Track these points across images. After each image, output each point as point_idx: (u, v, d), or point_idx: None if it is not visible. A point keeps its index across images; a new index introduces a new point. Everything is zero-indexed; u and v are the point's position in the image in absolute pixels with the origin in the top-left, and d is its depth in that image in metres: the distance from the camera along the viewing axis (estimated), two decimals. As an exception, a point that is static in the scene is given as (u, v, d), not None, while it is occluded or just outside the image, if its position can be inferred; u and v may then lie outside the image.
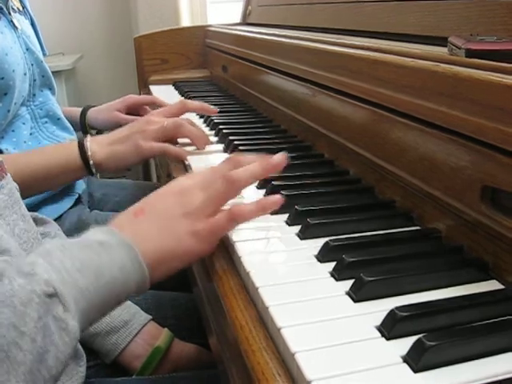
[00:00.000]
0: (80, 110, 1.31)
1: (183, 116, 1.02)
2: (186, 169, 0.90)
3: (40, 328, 0.43)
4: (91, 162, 0.93)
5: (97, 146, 0.94)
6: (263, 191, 0.73)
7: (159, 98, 1.34)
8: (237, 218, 0.57)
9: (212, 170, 0.61)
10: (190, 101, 1.09)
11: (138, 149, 0.94)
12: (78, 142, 0.94)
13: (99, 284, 0.48)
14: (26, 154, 1.00)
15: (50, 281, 0.45)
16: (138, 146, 0.94)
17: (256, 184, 0.75)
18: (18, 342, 0.41)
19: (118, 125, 1.29)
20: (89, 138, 0.96)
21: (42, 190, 0.98)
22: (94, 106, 1.34)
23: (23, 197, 0.93)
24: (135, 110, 1.33)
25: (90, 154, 0.93)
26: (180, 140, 0.99)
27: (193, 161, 0.88)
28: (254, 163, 0.61)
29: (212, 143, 0.99)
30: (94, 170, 0.94)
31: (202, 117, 1.20)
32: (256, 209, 0.59)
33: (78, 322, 0.46)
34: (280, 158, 0.62)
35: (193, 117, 1.19)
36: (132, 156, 0.95)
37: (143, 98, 1.36)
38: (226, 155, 0.92)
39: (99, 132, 1.36)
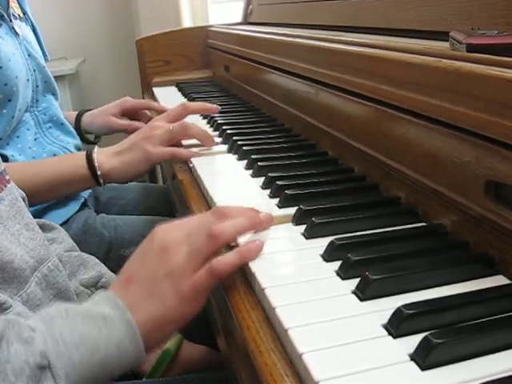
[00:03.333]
0: (75, 114, 1.32)
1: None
2: (190, 170, 0.90)
3: None
4: (99, 173, 0.94)
5: (104, 156, 0.95)
6: (267, 191, 0.73)
7: (155, 102, 1.35)
8: (217, 274, 0.54)
9: (196, 223, 0.59)
10: (191, 103, 1.11)
11: (147, 155, 0.94)
12: (86, 153, 0.96)
13: (93, 360, 0.49)
14: (35, 163, 1.01)
15: (46, 352, 0.46)
16: (147, 152, 0.94)
17: (261, 184, 0.75)
18: None
19: (113, 130, 1.29)
20: (96, 149, 0.97)
21: (50, 199, 1.00)
22: (89, 110, 1.34)
23: (32, 204, 0.92)
24: (132, 114, 1.33)
25: (97, 164, 0.94)
26: (183, 142, 1.00)
27: (197, 163, 0.88)
28: (241, 218, 0.58)
29: (217, 143, 0.99)
30: (101, 181, 0.95)
31: (205, 117, 1.20)
32: (238, 260, 0.55)
33: None
34: (267, 217, 0.60)
35: (196, 118, 1.19)
36: (141, 163, 0.95)
37: (139, 102, 1.36)
38: (230, 156, 0.92)
39: (96, 137, 1.36)
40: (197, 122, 1.14)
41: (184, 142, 0.99)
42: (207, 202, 0.75)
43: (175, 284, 0.54)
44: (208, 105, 1.09)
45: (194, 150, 0.96)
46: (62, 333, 0.48)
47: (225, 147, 0.97)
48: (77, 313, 0.51)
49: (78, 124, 1.31)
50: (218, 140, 1.02)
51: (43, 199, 0.97)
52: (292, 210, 0.64)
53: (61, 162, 0.99)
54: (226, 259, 0.55)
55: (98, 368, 0.50)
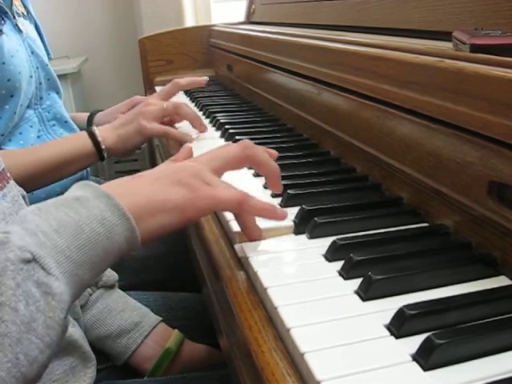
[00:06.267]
0: (86, 115, 1.32)
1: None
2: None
3: (20, 296, 0.40)
4: (103, 147, 1.00)
5: (104, 132, 1.01)
6: (270, 191, 0.72)
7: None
8: (241, 201, 0.55)
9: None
10: (180, 79, 1.17)
11: (141, 129, 1.01)
12: (88, 131, 1.01)
13: (80, 241, 0.46)
14: (42, 145, 1.05)
15: (25, 246, 0.42)
16: (141, 125, 1.01)
17: (263, 183, 0.75)
18: None
19: None
20: (95, 127, 1.03)
21: (57, 179, 1.02)
22: (100, 111, 1.34)
23: (46, 185, 1.00)
24: None
25: (100, 140, 1.00)
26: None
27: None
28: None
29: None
30: (105, 155, 1.01)
31: (207, 117, 1.20)
32: (261, 209, 0.57)
33: (64, 283, 0.44)
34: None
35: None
36: (135, 136, 1.02)
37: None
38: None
39: None
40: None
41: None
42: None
43: (196, 181, 0.54)
44: (196, 78, 1.18)
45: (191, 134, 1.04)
46: (39, 225, 0.45)
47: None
48: (49, 205, 0.48)
49: (89, 124, 1.31)
50: (221, 140, 1.02)
51: (51, 179, 1.00)
52: (294, 210, 0.64)
53: (66, 140, 1.04)
54: (255, 200, 0.57)
55: (89, 249, 0.46)
